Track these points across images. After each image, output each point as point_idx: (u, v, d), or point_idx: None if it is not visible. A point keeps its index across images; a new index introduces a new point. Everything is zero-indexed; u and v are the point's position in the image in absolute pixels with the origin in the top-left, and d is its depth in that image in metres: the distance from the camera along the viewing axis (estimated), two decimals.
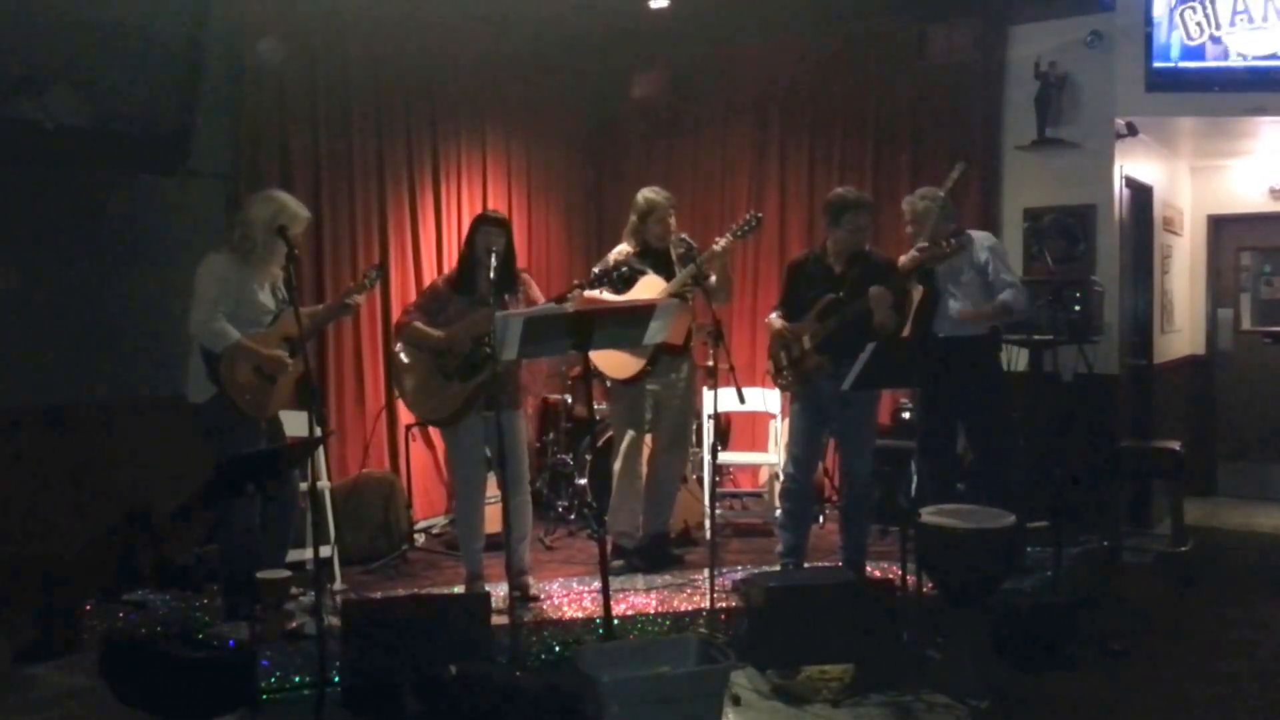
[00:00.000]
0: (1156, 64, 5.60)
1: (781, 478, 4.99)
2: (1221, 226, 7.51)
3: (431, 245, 6.14)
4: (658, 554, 5.05)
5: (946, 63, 6.22)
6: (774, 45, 6.76)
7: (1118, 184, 5.96)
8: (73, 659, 3.99)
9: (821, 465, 5.53)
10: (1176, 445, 5.38)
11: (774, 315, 4.70)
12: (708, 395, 5.25)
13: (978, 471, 4.87)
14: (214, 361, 4.05)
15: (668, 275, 4.84)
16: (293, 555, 4.69)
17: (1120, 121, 5.87)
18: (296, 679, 3.67)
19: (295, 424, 4.86)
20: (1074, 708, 3.59)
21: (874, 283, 4.36)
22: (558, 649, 3.94)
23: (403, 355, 4.52)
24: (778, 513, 4.90)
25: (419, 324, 4.44)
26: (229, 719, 3.41)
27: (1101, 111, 5.85)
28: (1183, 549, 5.18)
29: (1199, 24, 5.45)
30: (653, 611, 4.35)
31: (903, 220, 5.02)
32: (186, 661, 3.53)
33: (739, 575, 4.67)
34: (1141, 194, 6.48)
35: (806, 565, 4.68)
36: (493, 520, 4.77)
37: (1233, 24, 5.42)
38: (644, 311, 3.72)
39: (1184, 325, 7.41)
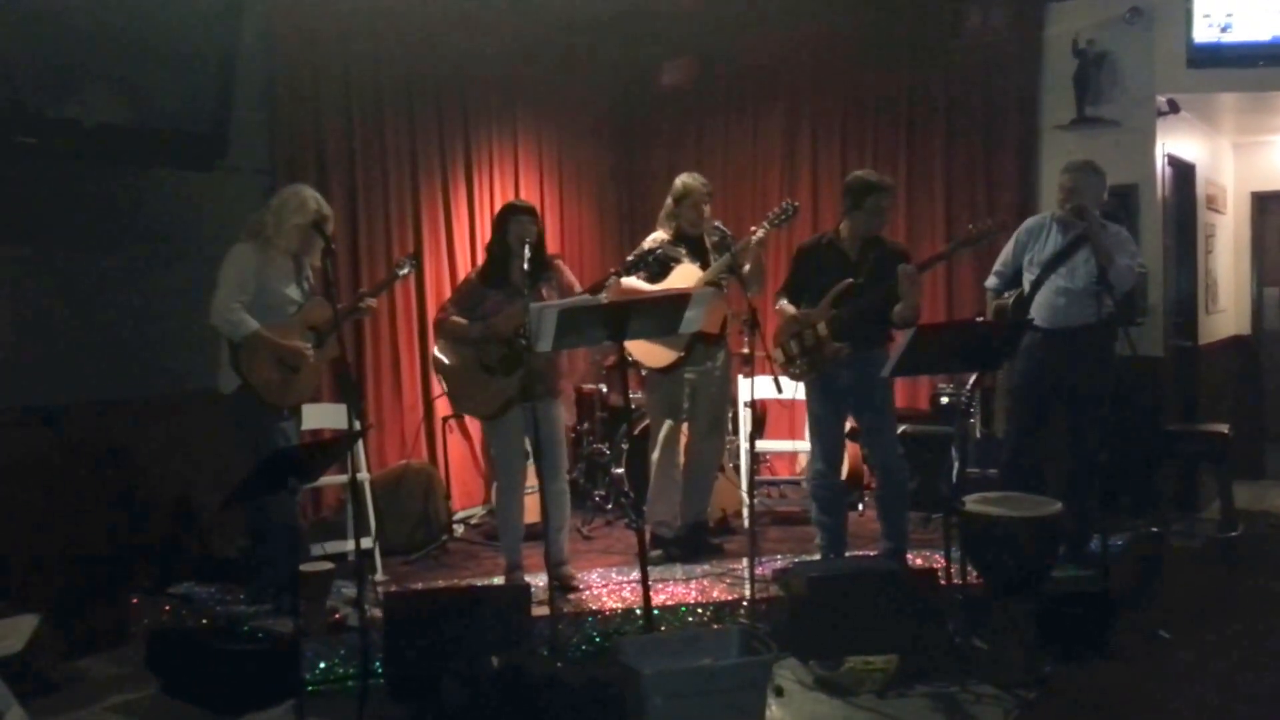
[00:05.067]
0: (1198, 39, 5.49)
1: (809, 475, 4.87)
2: (1266, 204, 7.36)
3: (465, 236, 6.15)
4: (696, 543, 5.03)
5: (982, 42, 6.11)
6: (803, 28, 6.65)
7: (1159, 162, 5.84)
8: (120, 652, 4.07)
9: (862, 453, 5.48)
10: (1224, 428, 5.27)
11: (784, 301, 4.57)
12: (744, 383, 5.23)
13: (1074, 468, 4.72)
14: (235, 351, 4.09)
15: (703, 262, 4.80)
16: (334, 547, 4.74)
17: (1161, 99, 5.75)
18: (340, 670, 3.71)
19: (334, 418, 4.91)
20: (1122, 697, 3.54)
21: (890, 267, 4.25)
22: (598, 640, 3.94)
23: (442, 352, 4.53)
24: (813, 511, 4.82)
25: (456, 319, 4.44)
26: (274, 711, 3.44)
27: (1142, 89, 5.73)
28: (1233, 534, 5.08)
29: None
30: (692, 601, 4.33)
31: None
32: (232, 654, 3.56)
33: (779, 564, 4.63)
34: (1184, 172, 6.36)
35: (848, 555, 4.62)
36: (531, 510, 4.77)
37: None
38: (679, 301, 3.69)
39: (1229, 305, 7.27)
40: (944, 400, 5.76)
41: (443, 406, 5.73)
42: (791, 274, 4.65)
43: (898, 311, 4.26)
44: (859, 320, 4.31)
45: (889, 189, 4.45)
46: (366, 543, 4.69)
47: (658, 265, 4.79)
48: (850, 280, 4.35)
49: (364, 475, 4.84)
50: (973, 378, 5.19)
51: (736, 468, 5.73)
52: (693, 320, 3.73)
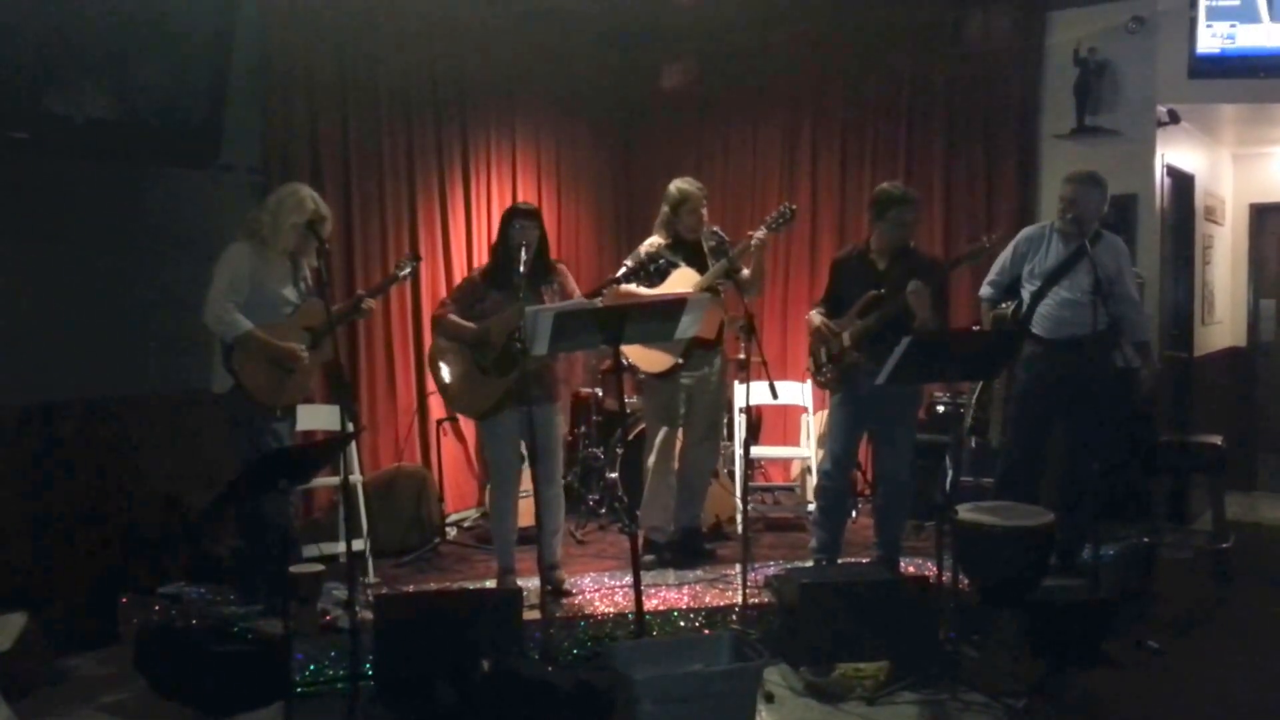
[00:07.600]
0: (1200, 50, 5.50)
1: (816, 474, 4.92)
2: (1264, 216, 7.36)
3: (461, 238, 6.13)
4: (689, 548, 5.02)
5: (983, 49, 6.11)
6: (805, 33, 6.65)
7: (1159, 173, 5.85)
8: (109, 651, 4.05)
9: (874, 462, 5.48)
10: (1217, 439, 5.27)
11: (814, 312, 4.62)
12: (739, 389, 5.22)
13: (1071, 479, 4.70)
14: (229, 352, 4.08)
15: (700, 267, 4.79)
16: (326, 549, 4.73)
17: (1162, 109, 5.75)
18: (330, 672, 3.69)
19: (327, 419, 4.89)
20: (1112, 707, 3.54)
21: (919, 278, 4.25)
22: (590, 644, 3.93)
23: (438, 350, 4.52)
24: (810, 508, 4.85)
25: (454, 317, 4.43)
26: (264, 712, 3.43)
27: (1142, 99, 5.74)
28: (1224, 545, 5.08)
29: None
30: (684, 606, 4.32)
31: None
32: (221, 655, 3.55)
33: (771, 570, 4.63)
34: (1183, 183, 6.36)
35: (840, 561, 4.63)
36: (525, 514, 4.76)
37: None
38: (675, 306, 3.69)
39: (1225, 317, 7.28)
40: (940, 409, 5.76)
41: (436, 409, 5.72)
42: (828, 286, 4.70)
43: (917, 322, 4.25)
44: (883, 331, 4.30)
45: (911, 201, 4.44)
46: (358, 545, 4.68)
47: (656, 272, 4.78)
48: (874, 292, 4.37)
49: (356, 477, 4.82)
50: (978, 388, 5.19)
51: (730, 473, 5.73)
52: (688, 325, 3.73)
